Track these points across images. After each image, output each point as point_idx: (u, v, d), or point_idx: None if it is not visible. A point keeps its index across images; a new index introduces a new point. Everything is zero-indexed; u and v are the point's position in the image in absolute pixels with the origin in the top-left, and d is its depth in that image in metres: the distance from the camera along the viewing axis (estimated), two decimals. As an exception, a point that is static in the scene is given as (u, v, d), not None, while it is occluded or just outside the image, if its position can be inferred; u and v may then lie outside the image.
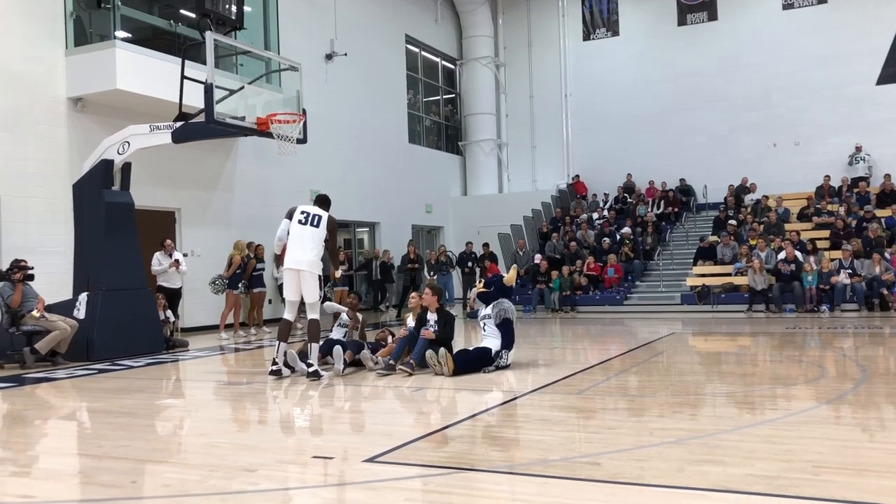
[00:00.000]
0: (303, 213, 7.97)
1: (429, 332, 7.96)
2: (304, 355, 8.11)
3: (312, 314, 7.96)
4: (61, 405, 7.39)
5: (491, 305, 8.11)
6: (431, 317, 8.21)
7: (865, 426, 5.29)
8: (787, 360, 8.96)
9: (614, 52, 23.63)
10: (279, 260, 8.20)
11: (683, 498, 3.52)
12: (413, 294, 9.47)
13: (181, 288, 12.75)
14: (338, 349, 8.03)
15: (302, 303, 8.11)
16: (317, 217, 7.96)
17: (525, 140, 25.11)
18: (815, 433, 4.91)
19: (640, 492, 3.62)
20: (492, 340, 8.02)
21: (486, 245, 19.03)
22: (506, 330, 8.04)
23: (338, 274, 8.34)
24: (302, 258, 7.84)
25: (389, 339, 9.03)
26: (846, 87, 20.42)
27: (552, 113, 24.45)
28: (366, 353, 8.41)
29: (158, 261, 12.24)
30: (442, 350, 7.64)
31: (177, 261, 12.35)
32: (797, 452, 4.32)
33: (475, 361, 7.78)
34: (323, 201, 8.34)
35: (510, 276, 8.35)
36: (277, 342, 8.05)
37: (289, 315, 8.09)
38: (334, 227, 8.16)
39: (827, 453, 4.31)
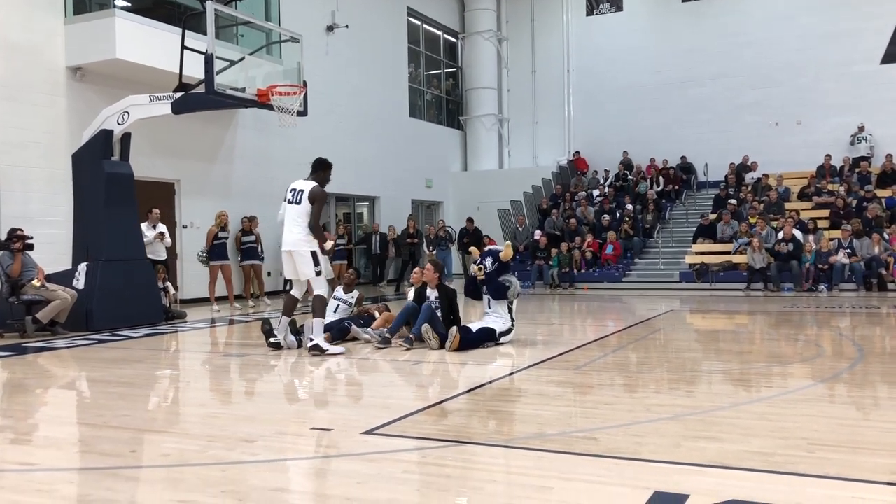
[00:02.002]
0: (291, 190, 7.87)
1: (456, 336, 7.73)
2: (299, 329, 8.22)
3: (316, 290, 7.84)
4: (61, 374, 7.43)
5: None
6: (431, 293, 8.21)
7: (861, 405, 5.32)
8: (784, 339, 9.00)
9: (617, 27, 23.44)
10: None
11: (680, 473, 3.54)
12: (416, 269, 9.40)
13: (166, 260, 12.61)
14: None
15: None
16: (300, 193, 7.80)
17: (526, 115, 24.98)
18: (811, 411, 4.95)
19: (636, 466, 3.65)
20: (495, 319, 8.00)
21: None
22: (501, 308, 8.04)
23: (328, 246, 7.92)
24: (288, 238, 7.79)
25: (376, 313, 8.93)
26: (850, 66, 20.28)
27: (554, 88, 24.30)
28: (355, 327, 8.39)
29: (143, 232, 12.00)
30: (453, 329, 7.61)
31: (162, 233, 12.21)
32: (793, 430, 4.35)
33: (477, 342, 7.75)
34: (316, 166, 8.04)
35: (506, 253, 8.29)
36: (281, 315, 8.10)
37: (295, 292, 8.09)
38: (315, 196, 7.72)
39: (822, 431, 4.34)
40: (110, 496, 3.44)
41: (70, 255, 10.83)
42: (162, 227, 12.36)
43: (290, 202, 7.81)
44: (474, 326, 7.95)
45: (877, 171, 18.77)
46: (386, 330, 8.14)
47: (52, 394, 6.43)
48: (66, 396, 6.41)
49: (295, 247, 7.76)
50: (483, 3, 24.55)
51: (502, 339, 7.94)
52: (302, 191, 7.79)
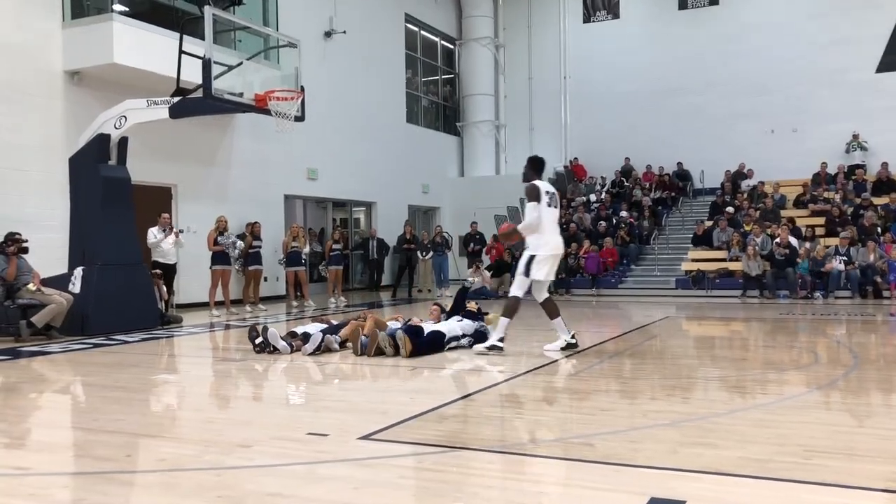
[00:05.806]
0: (547, 193, 7.77)
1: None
2: (293, 334, 8.20)
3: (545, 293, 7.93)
4: (56, 379, 7.40)
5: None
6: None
7: (856, 412, 5.32)
8: (780, 346, 9.01)
9: (614, 34, 23.52)
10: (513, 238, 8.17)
11: (676, 479, 3.54)
12: (351, 323, 8.79)
13: (176, 264, 12.76)
14: (317, 335, 8.00)
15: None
16: (555, 196, 7.93)
17: (523, 122, 25.05)
18: (807, 418, 4.95)
19: (633, 472, 3.65)
20: (445, 324, 8.16)
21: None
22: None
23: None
24: (560, 241, 8.00)
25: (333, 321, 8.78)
26: (846, 74, 20.38)
27: (551, 95, 24.38)
28: (329, 337, 8.16)
29: (154, 235, 12.25)
30: (399, 332, 7.63)
31: (177, 233, 12.42)
32: (789, 436, 4.35)
33: (428, 345, 7.76)
34: (533, 167, 8.00)
35: (488, 320, 8.54)
36: (552, 320, 7.93)
37: (542, 295, 7.91)
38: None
39: (818, 438, 4.34)
40: (105, 500, 3.42)
41: (66, 259, 10.81)
42: (173, 233, 12.53)
43: (549, 205, 7.77)
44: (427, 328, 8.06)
45: (872, 179, 18.83)
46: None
47: (47, 398, 6.41)
48: (60, 400, 6.39)
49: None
50: (480, 9, 24.66)
51: (477, 347, 7.87)
52: (555, 194, 7.96)
